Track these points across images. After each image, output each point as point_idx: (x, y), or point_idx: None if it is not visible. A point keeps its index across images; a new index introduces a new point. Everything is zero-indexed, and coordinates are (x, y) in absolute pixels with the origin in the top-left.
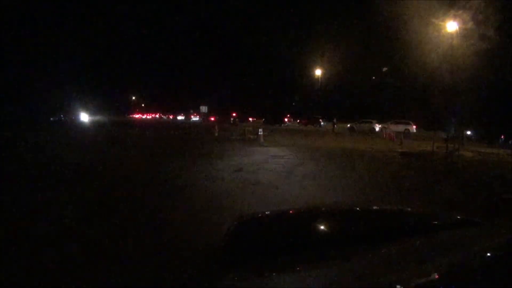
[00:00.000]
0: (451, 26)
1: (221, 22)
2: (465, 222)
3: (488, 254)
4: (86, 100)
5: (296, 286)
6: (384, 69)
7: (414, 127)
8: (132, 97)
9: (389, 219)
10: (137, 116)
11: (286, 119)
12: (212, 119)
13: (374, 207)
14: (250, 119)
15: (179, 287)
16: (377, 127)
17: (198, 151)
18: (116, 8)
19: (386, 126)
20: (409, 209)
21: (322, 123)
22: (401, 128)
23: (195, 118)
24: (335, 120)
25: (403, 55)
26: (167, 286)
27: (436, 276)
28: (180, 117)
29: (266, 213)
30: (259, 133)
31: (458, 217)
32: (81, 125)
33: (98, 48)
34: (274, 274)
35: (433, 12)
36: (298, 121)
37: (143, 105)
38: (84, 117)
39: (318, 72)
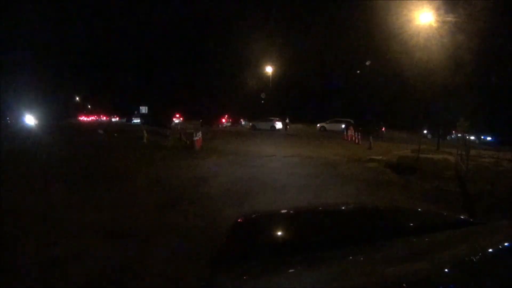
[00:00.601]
0: (425, 17)
1: (162, 19)
2: (465, 222)
3: (489, 254)
4: (32, 102)
5: (296, 286)
6: (368, 62)
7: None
8: (76, 99)
9: (389, 219)
10: (81, 118)
11: (224, 120)
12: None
13: (374, 207)
14: (177, 119)
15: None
16: (278, 125)
17: (101, 170)
18: (56, 8)
19: (324, 124)
20: (409, 208)
21: (243, 123)
22: (340, 127)
23: (136, 120)
24: (287, 120)
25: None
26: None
27: (436, 276)
28: (114, 119)
29: (266, 213)
30: (194, 138)
31: (458, 217)
32: (21, 128)
33: (43, 49)
34: (273, 273)
35: (408, 5)
36: (223, 121)
37: (89, 106)
38: (30, 119)
39: (269, 69)
